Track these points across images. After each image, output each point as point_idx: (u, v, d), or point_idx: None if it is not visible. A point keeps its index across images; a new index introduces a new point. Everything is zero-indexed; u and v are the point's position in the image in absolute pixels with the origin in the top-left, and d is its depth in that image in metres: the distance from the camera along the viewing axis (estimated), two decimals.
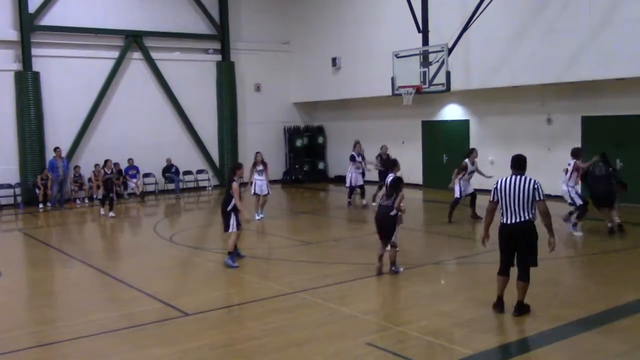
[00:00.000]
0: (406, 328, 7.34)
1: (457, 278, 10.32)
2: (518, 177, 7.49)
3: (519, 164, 7.67)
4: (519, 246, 7.47)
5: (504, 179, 7.54)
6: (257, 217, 15.57)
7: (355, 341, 6.95)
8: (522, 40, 16.81)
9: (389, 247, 9.78)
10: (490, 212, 7.70)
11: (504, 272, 7.67)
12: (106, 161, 18.25)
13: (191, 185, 23.23)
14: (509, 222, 7.44)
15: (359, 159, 17.51)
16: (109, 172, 17.90)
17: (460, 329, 7.41)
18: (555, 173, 17.66)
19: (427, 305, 8.34)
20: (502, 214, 7.52)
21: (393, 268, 9.78)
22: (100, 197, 18.03)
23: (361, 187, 17.58)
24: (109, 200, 17.47)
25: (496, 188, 7.55)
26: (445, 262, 11.15)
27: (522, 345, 6.71)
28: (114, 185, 18.32)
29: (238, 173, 11.19)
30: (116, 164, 21.09)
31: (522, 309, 7.54)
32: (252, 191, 15.68)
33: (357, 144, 17.78)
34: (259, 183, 15.58)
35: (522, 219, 7.35)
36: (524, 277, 7.48)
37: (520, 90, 17.85)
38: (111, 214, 17.32)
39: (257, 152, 15.95)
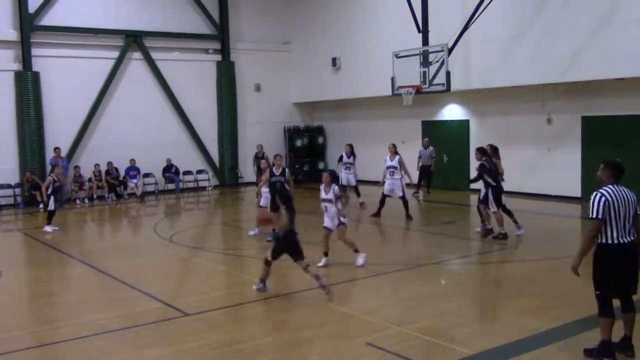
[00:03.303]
0: (406, 328, 7.34)
1: (457, 278, 10.32)
2: (623, 188, 6.25)
3: (621, 173, 6.31)
4: (630, 270, 6.22)
5: (611, 190, 6.13)
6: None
7: (355, 341, 6.94)
8: (522, 40, 16.81)
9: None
10: (597, 234, 6.16)
11: (611, 309, 6.25)
12: (54, 166, 15.91)
13: (191, 185, 23.23)
14: (622, 241, 6.11)
15: (349, 159, 17.29)
16: (57, 180, 15.19)
17: (461, 329, 7.41)
18: (555, 173, 17.75)
19: (427, 306, 8.34)
20: (609, 233, 6.11)
21: None
22: (51, 208, 14.96)
23: (355, 187, 17.47)
24: (51, 212, 15.11)
25: (607, 200, 6.06)
26: (445, 262, 11.16)
27: (523, 345, 6.70)
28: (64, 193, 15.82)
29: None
30: (109, 163, 21.15)
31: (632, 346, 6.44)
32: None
33: (347, 145, 17.62)
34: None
35: (633, 238, 6.19)
36: (632, 306, 6.36)
37: (520, 90, 17.85)
38: (54, 227, 15.11)
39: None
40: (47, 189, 15.09)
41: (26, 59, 20.07)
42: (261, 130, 24.58)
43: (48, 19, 20.62)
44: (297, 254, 8.64)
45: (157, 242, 13.70)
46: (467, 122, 20.31)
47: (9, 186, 20.01)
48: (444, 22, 17.56)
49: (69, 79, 20.73)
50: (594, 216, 6.09)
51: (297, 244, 8.70)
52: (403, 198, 14.98)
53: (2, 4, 20.06)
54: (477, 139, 19.76)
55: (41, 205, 19.09)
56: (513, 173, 18.56)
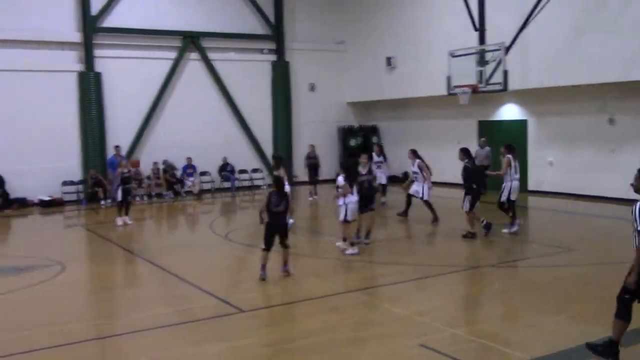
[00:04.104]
0: (460, 330, 7.25)
1: (512, 281, 10.12)
2: None
3: None
4: None
5: None
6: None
7: (408, 342, 6.90)
8: (582, 37, 16.33)
9: None
10: None
11: (629, 313, 6.09)
12: (121, 162, 16.50)
13: (246, 183, 23.51)
14: None
15: (379, 158, 17.77)
16: (125, 171, 15.58)
17: (516, 333, 7.27)
18: (618, 175, 17.18)
19: (482, 308, 8.22)
20: None
21: None
22: (119, 199, 15.45)
23: (384, 185, 17.84)
24: (126, 205, 15.68)
25: None
26: (499, 265, 10.95)
27: (580, 352, 6.51)
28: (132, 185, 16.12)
29: None
30: (165, 161, 21.62)
31: None
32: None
33: (376, 145, 18.46)
34: None
35: None
36: None
37: (580, 89, 17.35)
38: (128, 220, 15.77)
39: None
40: (117, 180, 15.71)
41: (89, 60, 20.72)
42: (315, 130, 24.65)
43: (109, 21, 21.23)
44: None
45: (214, 240, 13.94)
46: (524, 122, 19.87)
47: (72, 183, 20.69)
48: (502, 20, 17.25)
49: (129, 79, 21.30)
50: None
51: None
52: (425, 201, 15.01)
53: (67, 7, 20.73)
54: (536, 139, 19.39)
55: (103, 202, 19.71)
56: (569, 174, 18.19)
